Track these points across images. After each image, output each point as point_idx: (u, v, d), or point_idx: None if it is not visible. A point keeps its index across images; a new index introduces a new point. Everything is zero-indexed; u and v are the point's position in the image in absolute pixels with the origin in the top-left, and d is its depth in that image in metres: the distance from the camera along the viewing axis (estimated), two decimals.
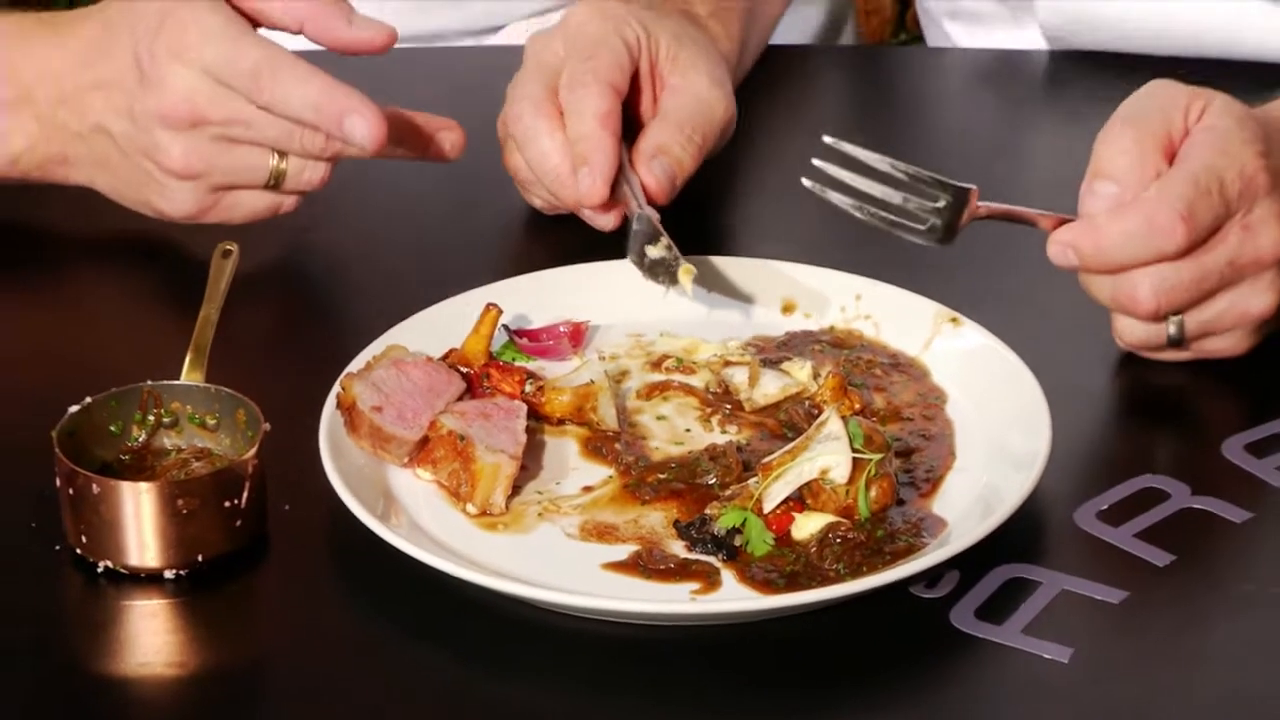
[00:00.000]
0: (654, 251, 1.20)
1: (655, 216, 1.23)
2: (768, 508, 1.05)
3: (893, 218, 1.20)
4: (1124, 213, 1.13)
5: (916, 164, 1.20)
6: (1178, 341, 1.17)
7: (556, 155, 1.24)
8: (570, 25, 1.31)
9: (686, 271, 1.17)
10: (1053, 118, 1.54)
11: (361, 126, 1.24)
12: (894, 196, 1.20)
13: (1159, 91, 1.18)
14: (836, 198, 1.21)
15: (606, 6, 1.30)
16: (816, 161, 1.22)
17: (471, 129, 1.34)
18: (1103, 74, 1.53)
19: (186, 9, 1.26)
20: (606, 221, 1.26)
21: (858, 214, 1.20)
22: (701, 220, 1.34)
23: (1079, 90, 1.55)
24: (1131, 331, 1.18)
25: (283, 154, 1.27)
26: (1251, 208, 1.13)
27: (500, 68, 1.39)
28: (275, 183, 1.28)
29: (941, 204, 1.19)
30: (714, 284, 1.23)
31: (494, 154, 1.37)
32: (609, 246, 1.27)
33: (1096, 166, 1.16)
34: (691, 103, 1.30)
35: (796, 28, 1.79)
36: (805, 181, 1.22)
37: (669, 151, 1.28)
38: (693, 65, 1.32)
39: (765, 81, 1.54)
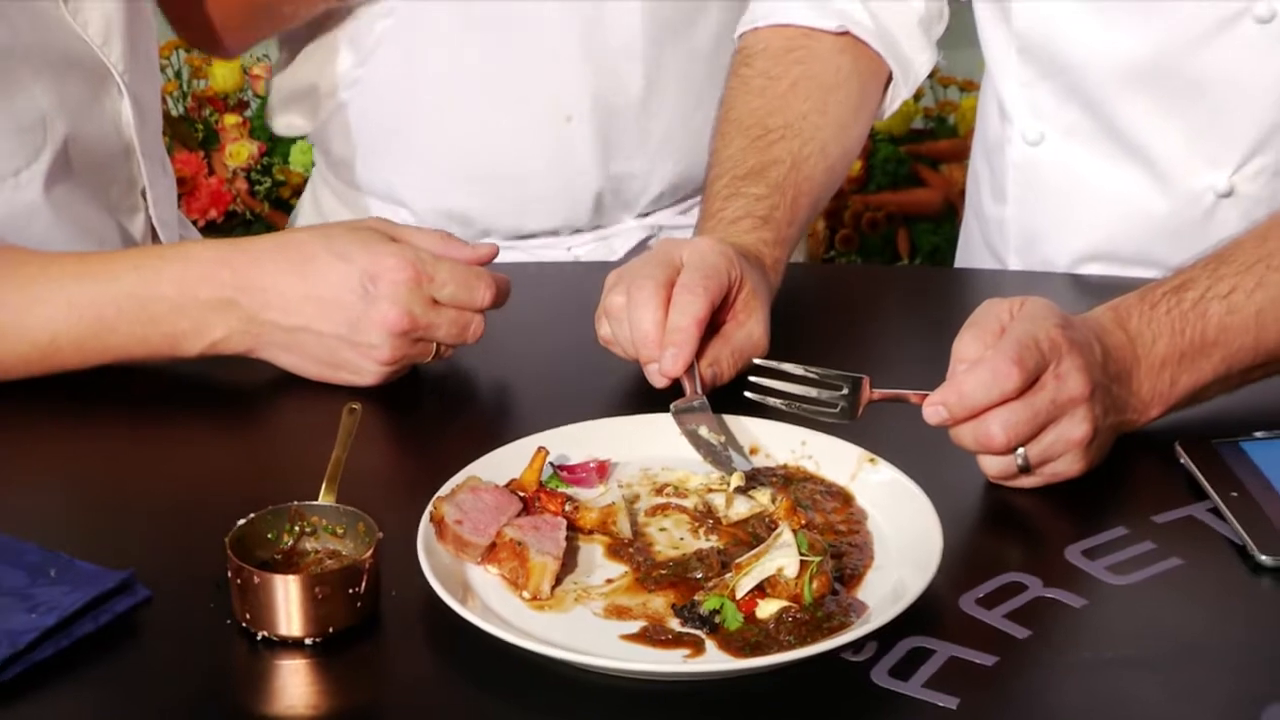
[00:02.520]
0: (707, 435, 1.21)
1: (706, 403, 1.24)
2: (739, 595, 1.04)
3: (812, 408, 1.20)
4: (974, 369, 1.12)
5: (839, 363, 1.20)
6: (1026, 469, 1.15)
7: (655, 331, 1.23)
8: (698, 246, 1.30)
9: (738, 476, 1.17)
10: (926, 325, 1.51)
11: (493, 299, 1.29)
12: (810, 392, 1.20)
13: (991, 303, 1.17)
14: (771, 401, 1.22)
15: (723, 247, 1.30)
16: (752, 378, 1.23)
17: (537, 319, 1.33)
18: (962, 293, 1.53)
19: (402, 247, 1.28)
20: (662, 382, 1.25)
21: (786, 409, 1.21)
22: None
23: (944, 302, 1.55)
24: (991, 466, 1.16)
25: None
26: (1060, 360, 1.12)
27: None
28: (437, 353, 1.29)
29: (845, 392, 1.19)
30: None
31: (545, 330, 1.37)
32: (631, 404, 1.27)
33: (954, 357, 1.16)
34: (746, 338, 1.30)
35: None
36: (747, 394, 1.23)
37: (719, 364, 1.28)
38: (756, 310, 1.31)
39: None
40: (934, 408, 1.13)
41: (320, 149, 1.88)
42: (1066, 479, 1.17)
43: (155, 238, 1.54)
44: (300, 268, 1.27)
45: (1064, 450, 1.16)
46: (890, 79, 1.54)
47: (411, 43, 1.71)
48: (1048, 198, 1.42)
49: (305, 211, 1.95)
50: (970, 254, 1.71)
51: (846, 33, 1.50)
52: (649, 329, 1.24)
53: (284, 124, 1.86)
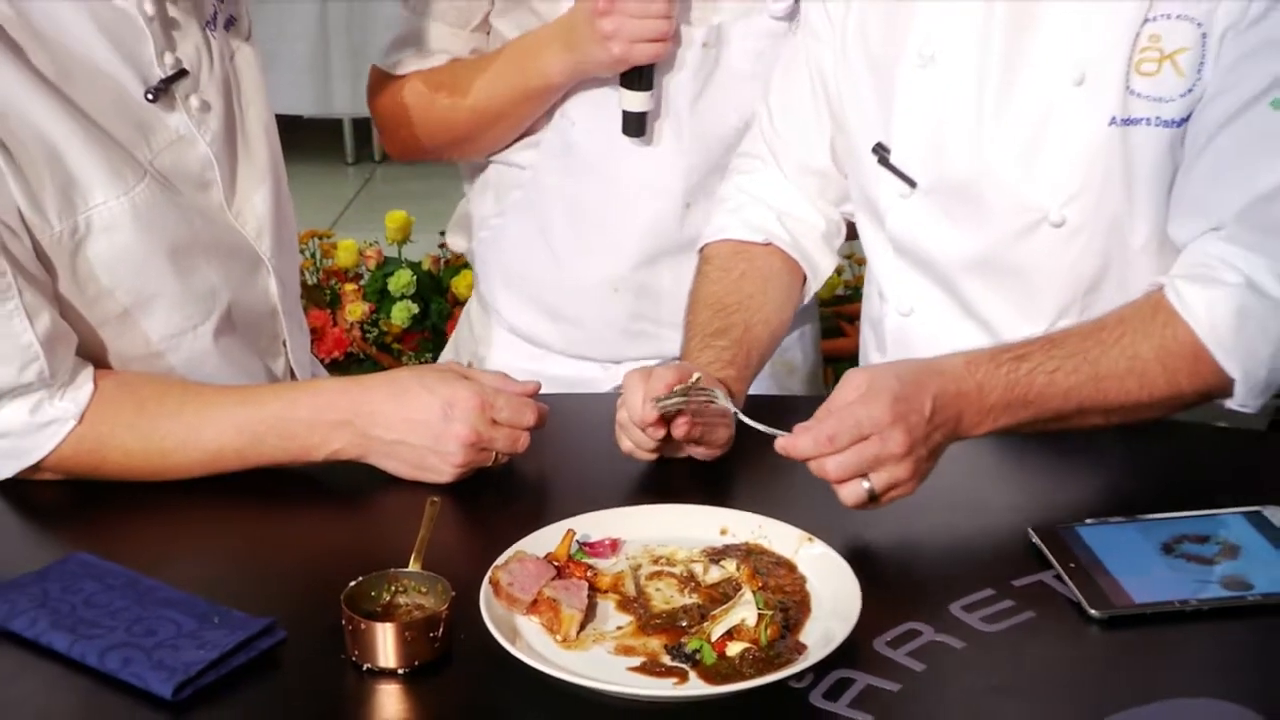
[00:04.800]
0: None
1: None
2: (713, 638, 1.03)
3: (704, 401, 1.24)
4: (806, 431, 1.14)
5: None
6: (874, 497, 1.15)
7: (639, 412, 1.24)
8: (681, 365, 1.31)
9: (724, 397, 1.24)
10: None
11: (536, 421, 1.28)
12: (700, 397, 1.25)
13: (851, 374, 1.18)
14: (676, 405, 1.24)
15: (688, 367, 1.30)
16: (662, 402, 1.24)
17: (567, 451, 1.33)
18: None
19: (471, 383, 1.28)
20: (646, 456, 1.29)
21: (692, 409, 1.25)
22: (686, 480, 1.31)
23: None
24: (846, 497, 1.15)
25: None
26: (884, 430, 1.12)
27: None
28: (495, 460, 1.28)
29: (719, 398, 1.26)
30: (685, 518, 1.20)
31: (574, 443, 1.37)
32: (636, 499, 1.26)
33: (815, 414, 1.17)
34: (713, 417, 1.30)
35: None
36: (659, 405, 1.23)
37: (693, 427, 1.27)
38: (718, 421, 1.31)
39: None
40: (781, 445, 1.15)
41: (470, 261, 1.85)
42: (907, 496, 1.17)
43: (293, 375, 1.54)
44: (398, 397, 1.27)
45: (895, 485, 1.15)
46: (806, 277, 1.55)
47: (528, 214, 1.69)
48: (916, 351, 1.40)
49: (470, 309, 1.90)
50: None
51: (771, 244, 1.51)
52: (637, 415, 1.25)
53: (453, 241, 1.84)
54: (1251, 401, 1.27)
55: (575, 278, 1.68)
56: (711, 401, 1.25)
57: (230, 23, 1.42)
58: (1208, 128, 1.27)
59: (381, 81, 1.68)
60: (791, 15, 1.55)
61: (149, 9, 1.29)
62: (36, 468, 1.27)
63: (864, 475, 1.14)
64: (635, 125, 1.54)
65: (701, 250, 1.54)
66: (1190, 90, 1.28)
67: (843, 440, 1.12)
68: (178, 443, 1.27)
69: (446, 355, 1.95)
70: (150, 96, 1.30)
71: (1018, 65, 1.34)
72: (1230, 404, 1.28)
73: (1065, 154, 1.33)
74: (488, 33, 1.65)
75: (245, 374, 1.45)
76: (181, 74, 1.32)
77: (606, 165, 1.61)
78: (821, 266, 1.55)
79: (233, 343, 1.43)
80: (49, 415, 1.25)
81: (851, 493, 1.14)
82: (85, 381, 1.27)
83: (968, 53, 1.36)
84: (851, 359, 1.91)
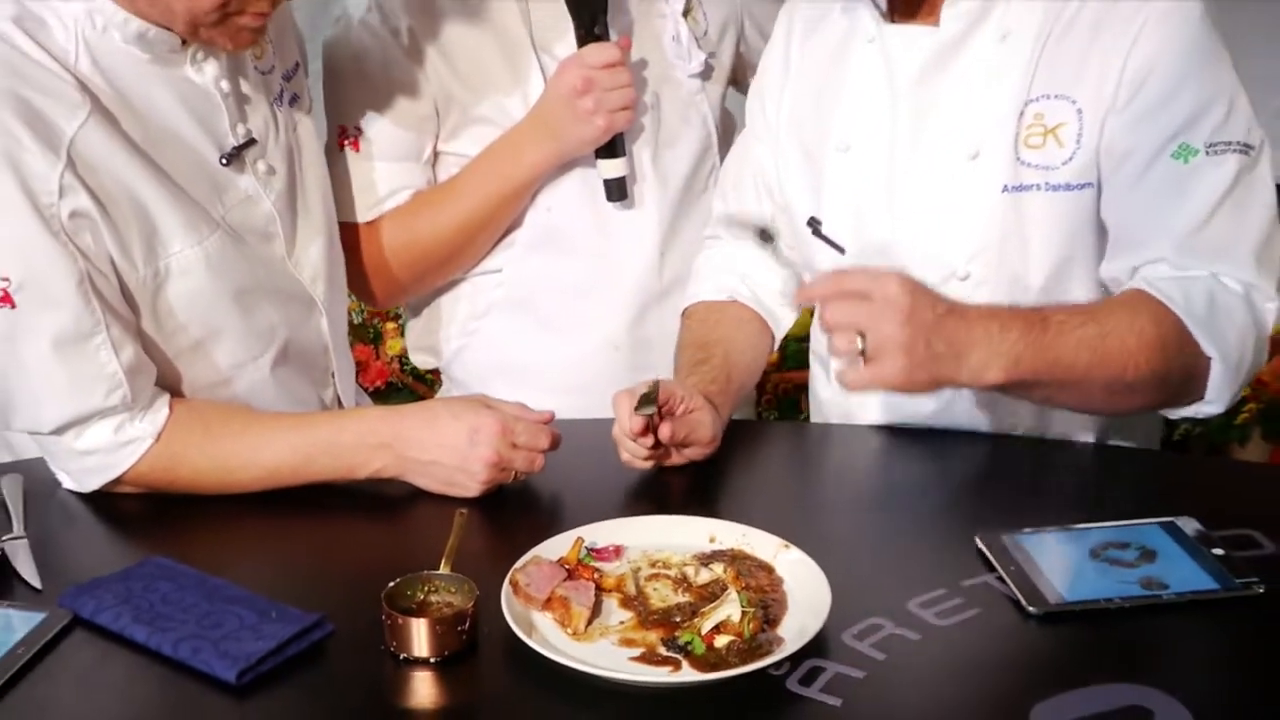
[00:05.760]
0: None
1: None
2: (703, 632, 1.03)
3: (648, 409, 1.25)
4: (819, 279, 1.14)
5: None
6: (863, 353, 1.07)
7: (626, 424, 1.26)
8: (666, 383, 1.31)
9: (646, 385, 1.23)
10: (808, 457, 1.50)
11: (550, 444, 1.29)
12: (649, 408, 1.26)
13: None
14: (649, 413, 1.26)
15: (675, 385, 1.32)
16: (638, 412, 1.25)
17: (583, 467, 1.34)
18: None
19: (494, 411, 1.28)
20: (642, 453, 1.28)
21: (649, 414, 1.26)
22: (680, 495, 1.31)
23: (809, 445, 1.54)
24: (839, 343, 1.08)
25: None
26: (886, 281, 1.07)
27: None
28: (514, 477, 1.28)
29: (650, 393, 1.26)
30: (679, 527, 1.20)
31: (582, 462, 1.36)
32: (635, 510, 1.24)
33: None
34: (696, 423, 1.31)
35: None
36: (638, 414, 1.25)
37: (676, 432, 1.29)
38: (704, 413, 1.31)
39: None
40: (800, 292, 1.16)
41: (445, 374, 1.77)
42: (893, 381, 1.08)
43: (340, 403, 1.55)
44: (431, 424, 1.27)
45: (886, 345, 1.06)
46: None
47: (513, 308, 1.64)
48: None
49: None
50: (822, 414, 1.64)
51: (737, 300, 1.53)
52: (623, 416, 1.27)
53: (419, 360, 1.75)
54: (1225, 394, 1.22)
55: (577, 349, 1.64)
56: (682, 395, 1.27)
57: (294, 100, 1.45)
58: (1126, 184, 1.27)
59: (353, 237, 1.55)
60: (704, 74, 1.59)
61: (224, 87, 1.31)
62: (118, 481, 1.28)
63: (860, 333, 1.07)
64: (618, 190, 1.54)
65: (682, 314, 1.56)
66: (1072, 158, 1.28)
67: (850, 284, 1.07)
68: (241, 462, 1.28)
69: None
70: (224, 161, 1.32)
71: (920, 146, 1.36)
72: (1201, 406, 1.24)
73: (965, 218, 1.34)
74: (434, 166, 1.58)
75: (298, 401, 1.46)
76: (251, 142, 1.35)
77: (591, 238, 1.59)
78: (781, 318, 1.56)
79: (288, 373, 1.44)
80: (130, 435, 1.26)
81: (844, 340, 1.07)
82: (162, 406, 1.28)
83: (879, 139, 1.38)
84: None
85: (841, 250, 1.43)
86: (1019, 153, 1.30)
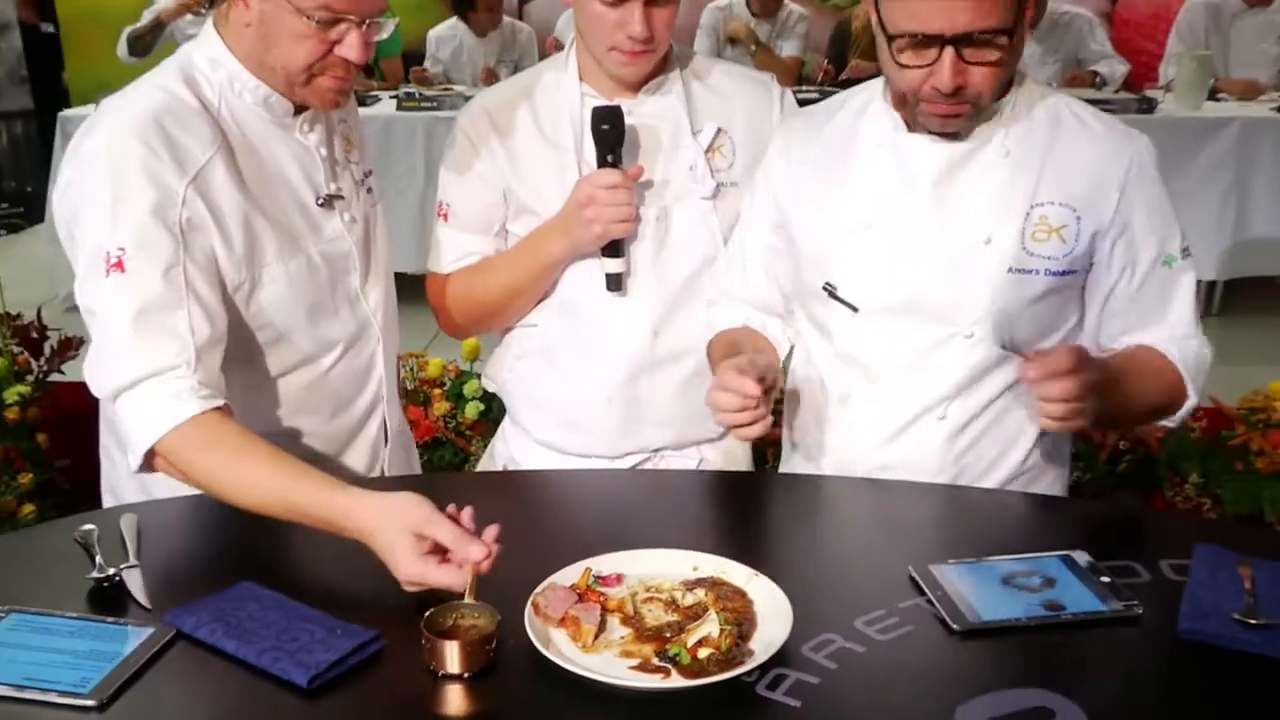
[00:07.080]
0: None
1: None
2: (689, 645, 1.04)
3: None
4: (1051, 354, 1.22)
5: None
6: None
7: (750, 387, 1.31)
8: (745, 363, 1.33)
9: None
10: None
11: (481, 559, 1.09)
12: None
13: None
14: None
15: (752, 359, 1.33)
16: None
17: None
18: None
19: (405, 536, 1.11)
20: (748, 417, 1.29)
21: None
22: (668, 533, 1.29)
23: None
24: (1052, 414, 1.22)
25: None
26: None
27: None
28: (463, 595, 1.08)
29: None
30: (668, 559, 1.19)
31: (588, 508, 1.35)
32: (635, 545, 1.22)
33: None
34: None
35: None
36: None
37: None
38: (772, 365, 1.35)
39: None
40: (1027, 369, 1.21)
41: (500, 395, 1.79)
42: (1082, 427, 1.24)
43: (386, 429, 1.55)
44: (376, 538, 1.14)
45: (1087, 410, 1.21)
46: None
47: (541, 355, 1.68)
48: (854, 431, 1.40)
49: (504, 428, 1.82)
50: (791, 466, 1.61)
51: (749, 326, 1.56)
52: (746, 385, 1.26)
53: (487, 384, 1.80)
54: (1181, 418, 1.40)
55: (581, 393, 1.67)
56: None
57: (369, 190, 1.56)
58: (1128, 290, 1.38)
59: (435, 280, 1.66)
60: (715, 195, 1.61)
61: (324, 152, 1.43)
62: (153, 455, 1.23)
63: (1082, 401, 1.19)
64: (615, 283, 1.60)
65: (707, 346, 1.58)
66: (1070, 251, 1.35)
67: (1065, 364, 1.19)
68: (233, 487, 1.21)
69: (483, 464, 1.89)
70: (320, 202, 1.41)
71: (941, 229, 1.37)
72: (1167, 422, 1.40)
73: (975, 289, 1.36)
74: (505, 238, 1.67)
75: (339, 400, 1.50)
76: (340, 195, 1.44)
77: (596, 312, 1.63)
78: (782, 344, 1.56)
79: (337, 376, 1.49)
80: (182, 393, 1.21)
81: (1060, 409, 1.20)
82: (215, 397, 1.25)
83: (900, 221, 1.37)
84: None
85: (855, 309, 1.42)
86: (1025, 244, 1.33)
